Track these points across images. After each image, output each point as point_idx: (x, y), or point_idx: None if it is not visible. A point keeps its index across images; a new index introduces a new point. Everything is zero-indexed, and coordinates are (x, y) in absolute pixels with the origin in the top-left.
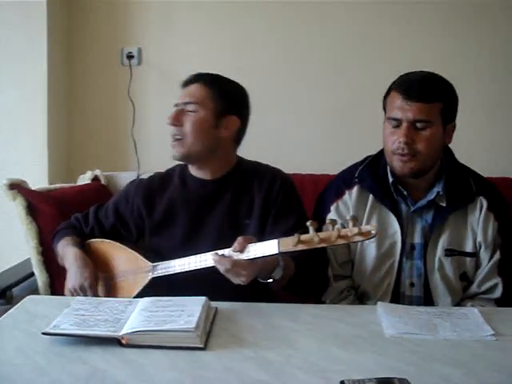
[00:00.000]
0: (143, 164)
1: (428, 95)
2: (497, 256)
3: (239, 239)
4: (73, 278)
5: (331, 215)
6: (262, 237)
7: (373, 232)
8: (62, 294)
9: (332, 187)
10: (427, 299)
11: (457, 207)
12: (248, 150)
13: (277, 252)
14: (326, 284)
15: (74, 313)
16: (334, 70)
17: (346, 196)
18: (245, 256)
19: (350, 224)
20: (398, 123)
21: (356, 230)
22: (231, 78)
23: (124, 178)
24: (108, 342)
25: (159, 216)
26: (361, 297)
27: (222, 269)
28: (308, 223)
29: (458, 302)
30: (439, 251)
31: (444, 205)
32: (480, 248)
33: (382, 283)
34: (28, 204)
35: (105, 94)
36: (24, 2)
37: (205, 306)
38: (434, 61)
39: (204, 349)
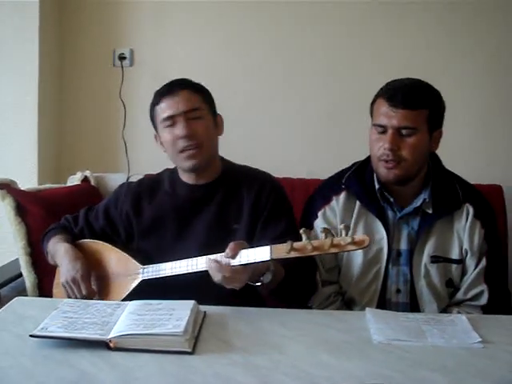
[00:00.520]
0: (133, 166)
1: (413, 102)
2: (483, 263)
3: (231, 245)
4: (65, 272)
5: (318, 221)
6: (251, 242)
7: (366, 242)
8: (50, 295)
9: (319, 193)
10: (413, 305)
11: (443, 214)
12: (238, 153)
13: (269, 258)
14: (313, 289)
15: (62, 315)
16: (326, 73)
17: (334, 202)
18: (237, 261)
19: (343, 233)
20: (383, 130)
21: (349, 239)
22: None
23: (114, 180)
24: (96, 345)
25: (148, 221)
26: (348, 302)
27: (218, 276)
28: (301, 231)
29: (444, 309)
30: (425, 258)
31: (430, 212)
32: (466, 255)
33: (368, 289)
34: (17, 204)
35: (96, 95)
36: (16, 3)
37: (193, 310)
38: (428, 63)
39: (192, 353)
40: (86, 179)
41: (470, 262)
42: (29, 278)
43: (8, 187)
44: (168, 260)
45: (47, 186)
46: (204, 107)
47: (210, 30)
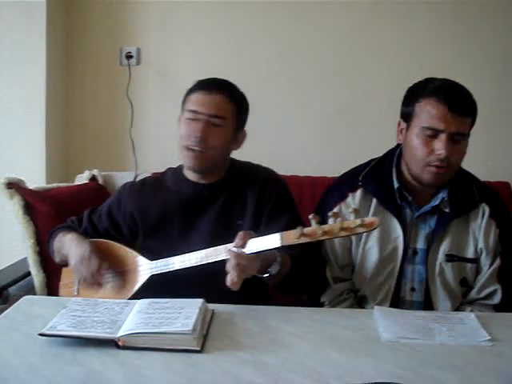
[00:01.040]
0: (141, 164)
1: (470, 109)
2: (497, 263)
3: (240, 234)
4: (73, 256)
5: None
6: (255, 234)
7: (375, 224)
8: (58, 294)
9: (335, 189)
10: (427, 304)
11: (460, 213)
12: (246, 151)
13: (279, 245)
14: (320, 284)
15: (71, 314)
16: (333, 72)
17: (349, 199)
18: (247, 250)
19: (352, 216)
20: (434, 133)
21: (358, 221)
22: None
23: (122, 178)
24: (104, 343)
25: (153, 219)
26: (360, 300)
27: (233, 264)
28: (310, 216)
29: (457, 307)
30: (440, 256)
31: (448, 211)
32: (481, 254)
33: (382, 287)
34: (25, 203)
35: (103, 93)
36: (23, 2)
37: (202, 309)
38: (435, 62)
39: (200, 351)
40: (93, 178)
41: (485, 262)
42: (37, 277)
43: (16, 186)
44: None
45: (55, 184)
46: (230, 118)
47: (217, 29)
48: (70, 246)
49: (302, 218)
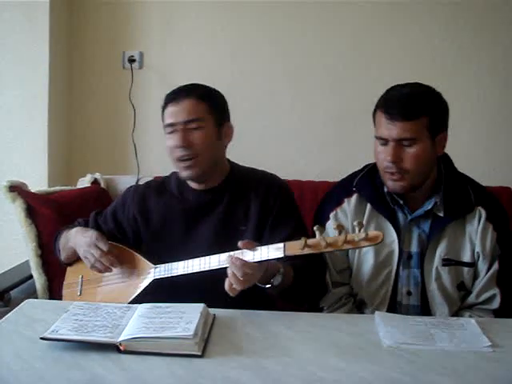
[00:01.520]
0: (143, 168)
1: (411, 113)
2: (495, 267)
3: (242, 243)
4: (81, 244)
5: (330, 222)
6: (258, 244)
7: (379, 238)
8: (60, 297)
9: (331, 195)
10: (424, 308)
11: (455, 217)
12: (246, 156)
13: (282, 255)
14: (323, 291)
15: (73, 318)
16: (334, 77)
17: (345, 204)
18: (250, 259)
19: (357, 229)
20: (384, 142)
21: (363, 235)
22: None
23: (124, 182)
24: (106, 347)
25: (155, 224)
26: (359, 305)
27: (235, 270)
28: (315, 228)
29: (456, 312)
30: (436, 260)
31: (441, 215)
32: (478, 258)
33: (379, 291)
34: (27, 206)
35: (106, 97)
36: (26, 4)
37: (203, 313)
38: (435, 65)
39: (202, 356)
40: (95, 181)
41: (482, 266)
42: (39, 280)
43: (19, 189)
44: (176, 261)
45: (57, 188)
46: (207, 117)
47: (219, 33)
48: (75, 237)
49: (306, 225)
